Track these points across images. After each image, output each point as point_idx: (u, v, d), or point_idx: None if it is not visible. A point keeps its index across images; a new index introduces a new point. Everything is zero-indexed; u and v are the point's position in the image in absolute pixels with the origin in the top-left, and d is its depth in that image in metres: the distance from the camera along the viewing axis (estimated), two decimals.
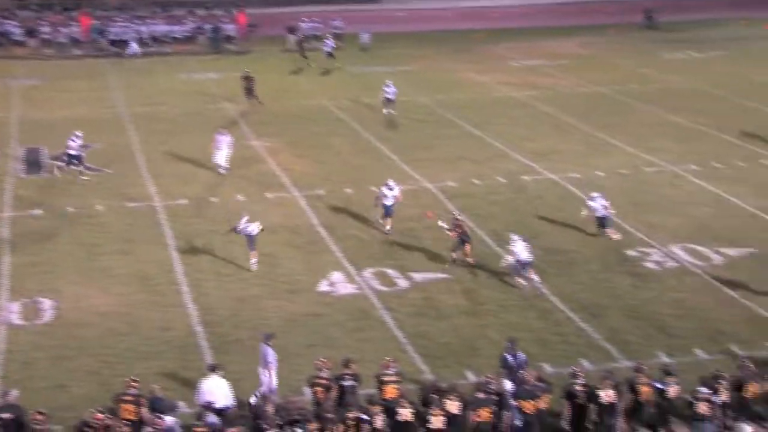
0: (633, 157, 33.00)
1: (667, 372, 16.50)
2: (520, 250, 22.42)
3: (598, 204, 24.94)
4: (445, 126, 37.66)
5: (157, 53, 53.95)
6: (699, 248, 24.86)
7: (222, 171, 30.84)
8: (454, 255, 23.49)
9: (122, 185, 29.97)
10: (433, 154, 33.51)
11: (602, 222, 24.95)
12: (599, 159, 32.78)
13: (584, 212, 25.15)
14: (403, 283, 22.86)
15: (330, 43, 50.21)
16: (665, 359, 18.92)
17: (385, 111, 38.52)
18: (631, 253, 24.60)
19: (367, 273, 23.37)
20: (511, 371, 16.84)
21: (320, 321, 20.86)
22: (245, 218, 23.62)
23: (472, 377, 18.13)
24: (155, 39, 55.82)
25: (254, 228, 23.12)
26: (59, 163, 30.86)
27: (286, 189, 29.84)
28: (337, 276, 23.25)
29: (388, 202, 25.65)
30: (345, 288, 22.62)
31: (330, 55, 49.61)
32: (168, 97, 42.74)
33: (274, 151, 33.91)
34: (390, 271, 23.46)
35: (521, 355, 17.19)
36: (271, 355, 17.27)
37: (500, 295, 22.18)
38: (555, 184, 30.22)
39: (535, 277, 22.66)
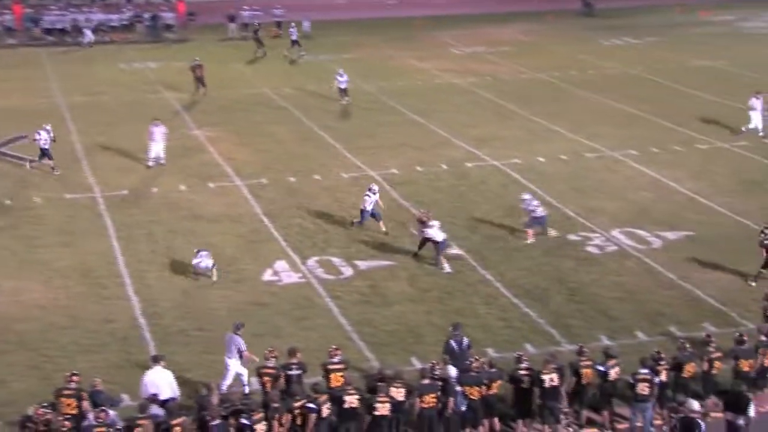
0: (573, 142, 33.36)
1: (608, 355, 16.74)
2: (436, 232, 22.67)
3: (533, 205, 24.43)
4: (387, 113, 37.68)
5: (95, 42, 53.06)
6: (638, 232, 25.24)
7: (153, 163, 30.35)
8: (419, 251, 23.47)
9: (61, 176, 29.48)
10: (376, 142, 33.53)
11: (539, 221, 24.46)
12: (540, 145, 33.09)
13: (525, 220, 24.59)
14: (347, 271, 22.85)
15: (295, 31, 49.75)
16: (607, 342, 19.19)
17: (343, 101, 38.42)
18: (572, 237, 24.88)
19: (312, 262, 23.33)
20: (455, 357, 16.94)
21: (265, 310, 20.78)
22: (200, 254, 22.44)
23: (417, 364, 18.21)
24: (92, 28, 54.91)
25: (209, 262, 22.32)
26: (35, 161, 30.09)
27: (228, 178, 29.63)
28: (281, 265, 23.16)
29: (369, 207, 24.77)
30: (290, 277, 22.55)
31: (295, 42, 49.15)
32: (107, 87, 42.11)
33: (216, 141, 33.63)
34: (335, 260, 23.45)
35: (465, 341, 17.31)
36: (242, 344, 17.24)
37: (445, 281, 22.30)
38: (497, 170, 30.44)
39: (456, 251, 23.13)
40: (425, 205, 26.53)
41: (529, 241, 24.28)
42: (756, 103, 33.59)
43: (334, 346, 16.75)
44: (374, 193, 24.99)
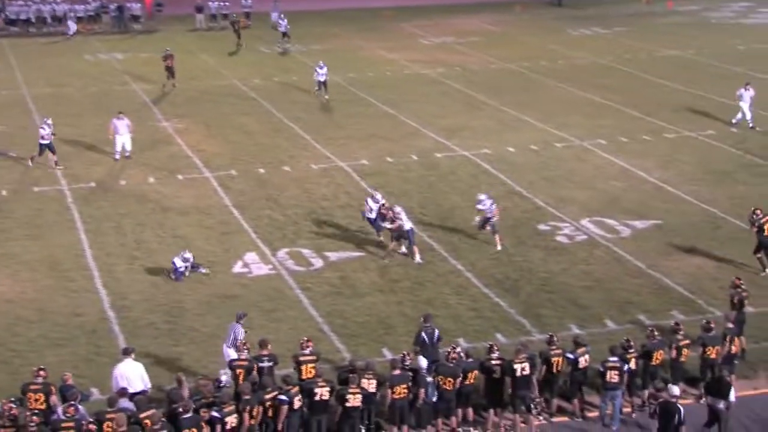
0: (543, 132, 33.51)
1: (577, 343, 16.85)
2: (405, 219, 22.70)
3: (488, 205, 23.57)
4: (357, 104, 37.65)
5: (60, 33, 52.57)
6: (607, 221, 25.42)
7: (120, 157, 30.13)
8: (393, 245, 23.13)
9: (28, 169, 29.21)
10: (345, 133, 33.51)
11: (488, 221, 23.63)
12: (510, 135, 33.21)
13: (476, 219, 24.02)
14: (318, 262, 22.85)
15: (284, 22, 49.29)
16: (577, 331, 19.33)
17: (315, 92, 38.19)
18: (542, 227, 25.01)
19: (282, 253, 23.30)
20: (425, 348, 16.98)
21: (236, 302, 20.69)
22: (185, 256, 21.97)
23: (388, 355, 18.25)
24: (56, 18, 54.33)
25: (188, 256, 21.91)
26: (54, 160, 29.51)
27: (197, 170, 29.49)
28: (251, 257, 23.11)
29: (372, 215, 23.52)
30: (260, 269, 22.51)
31: (285, 35, 48.80)
32: (73, 78, 41.74)
33: (185, 132, 33.46)
34: (305, 251, 23.43)
35: (436, 333, 17.34)
36: (241, 333, 17.16)
37: (415, 272, 22.34)
38: (467, 160, 30.52)
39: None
40: (395, 196, 26.55)
41: (499, 248, 23.44)
42: (744, 94, 33.62)
43: (305, 338, 16.73)
44: (377, 202, 23.65)
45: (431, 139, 32.70)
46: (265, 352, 16.44)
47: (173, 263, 21.81)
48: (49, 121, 29.68)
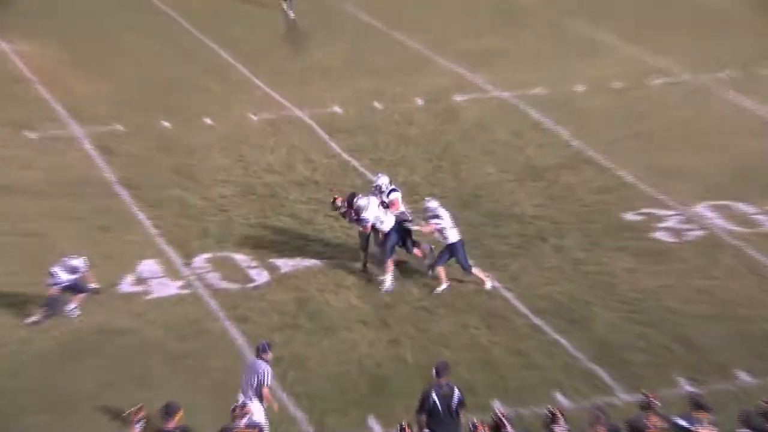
0: (631, 60, 33.60)
1: (696, 404, 16.76)
2: (381, 218, 22.56)
3: (442, 213, 22.73)
4: (325, 15, 37.68)
5: None
6: (739, 206, 25.45)
7: None
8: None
9: None
10: (306, 63, 33.56)
11: (454, 249, 22.70)
12: (577, 64, 33.29)
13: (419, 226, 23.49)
14: (260, 276, 22.82)
15: None
16: (688, 388, 19.30)
17: (291, 16, 38.44)
18: (630, 216, 25.03)
19: (201, 260, 23.28)
20: (437, 417, 16.93)
21: (122, 342, 20.61)
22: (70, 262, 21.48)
23: (376, 428, 18.23)
24: None
25: (80, 263, 21.82)
26: None
27: (59, 123, 29.51)
28: (150, 266, 23.07)
29: (381, 224, 22.85)
30: (164, 286, 22.45)
31: None
32: None
33: (36, 60, 33.41)
34: (239, 258, 23.40)
35: (457, 394, 17.29)
36: (268, 374, 17.36)
37: (419, 291, 22.28)
38: (506, 106, 30.55)
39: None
40: (387, 166, 26.52)
41: (488, 285, 22.82)
42: None
43: (239, 401, 16.68)
44: (390, 193, 23.20)
45: (446, 73, 32.74)
46: (171, 425, 16.38)
47: (54, 276, 21.43)
48: None
